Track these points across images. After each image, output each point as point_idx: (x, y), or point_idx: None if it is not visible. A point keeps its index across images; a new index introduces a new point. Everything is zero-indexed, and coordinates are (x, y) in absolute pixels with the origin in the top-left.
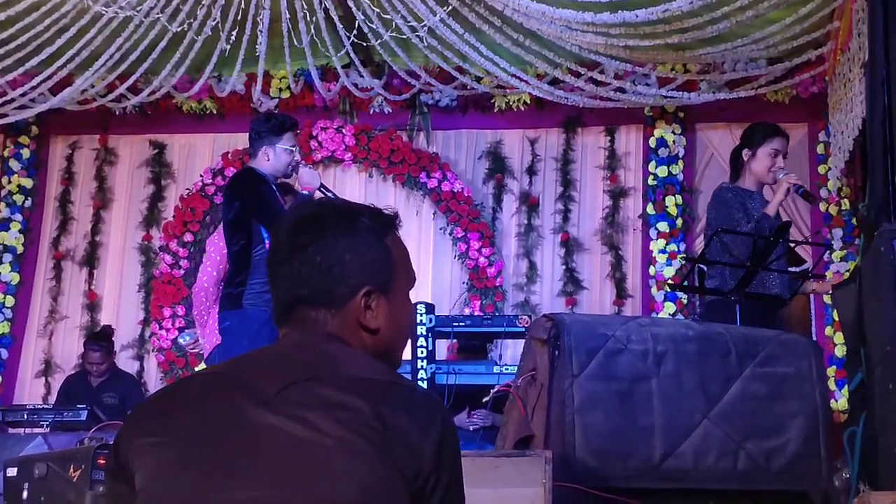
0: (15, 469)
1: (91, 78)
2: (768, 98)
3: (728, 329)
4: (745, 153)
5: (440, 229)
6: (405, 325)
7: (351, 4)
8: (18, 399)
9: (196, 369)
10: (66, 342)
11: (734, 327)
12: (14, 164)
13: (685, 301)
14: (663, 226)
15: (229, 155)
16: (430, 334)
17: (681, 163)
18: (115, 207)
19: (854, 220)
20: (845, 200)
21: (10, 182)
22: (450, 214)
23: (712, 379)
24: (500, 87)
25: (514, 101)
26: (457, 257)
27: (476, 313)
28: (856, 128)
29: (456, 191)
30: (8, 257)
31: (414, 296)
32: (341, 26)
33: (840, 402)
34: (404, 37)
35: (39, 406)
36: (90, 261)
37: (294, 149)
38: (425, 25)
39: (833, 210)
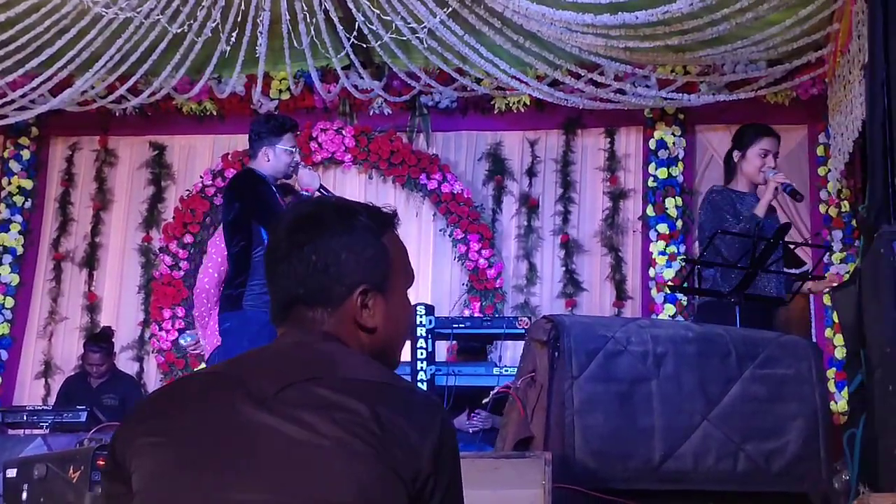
0: (14, 470)
1: (91, 79)
2: (768, 100)
3: (728, 331)
4: (736, 154)
5: (440, 231)
6: (403, 324)
7: (351, 6)
8: (18, 400)
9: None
10: (66, 343)
11: (734, 329)
12: (14, 166)
13: (685, 303)
14: (663, 227)
15: (229, 156)
16: (429, 336)
17: (681, 164)
18: (114, 209)
19: (854, 222)
20: (845, 202)
21: (10, 183)
22: (450, 216)
23: (712, 380)
24: (499, 89)
25: (513, 103)
26: (457, 259)
27: (476, 315)
28: (856, 130)
29: (456, 192)
30: (8, 258)
31: (413, 297)
32: (341, 28)
33: (840, 403)
34: (404, 38)
35: (39, 407)
36: (90, 262)
37: (294, 150)
38: (425, 27)
39: (833, 212)
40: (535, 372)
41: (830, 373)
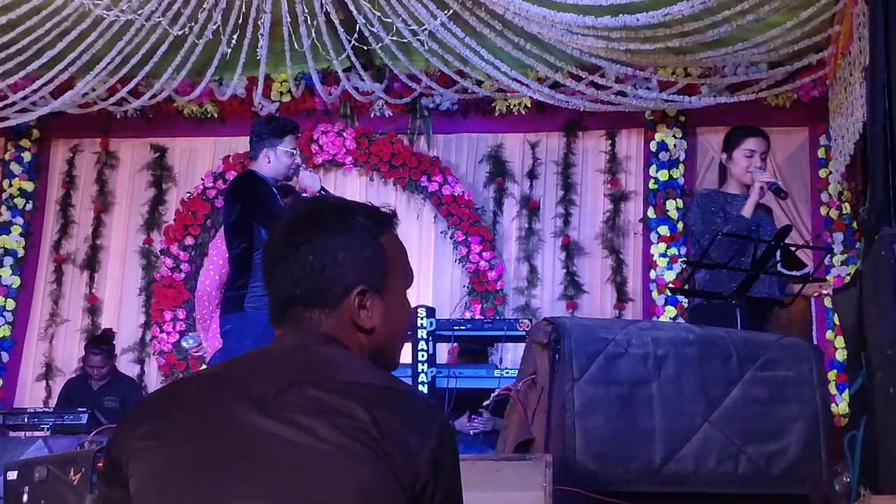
0: (15, 472)
1: (92, 81)
2: (769, 102)
3: (729, 333)
4: (724, 157)
5: (441, 233)
6: (401, 325)
7: (352, 8)
8: (19, 402)
9: None
10: (67, 345)
11: (735, 331)
12: (15, 168)
13: (686, 305)
14: (664, 229)
15: (230, 158)
16: (430, 338)
17: (682, 166)
18: (115, 211)
19: (855, 224)
20: (846, 204)
21: (11, 185)
22: (450, 218)
23: (713, 383)
24: (500, 91)
25: (514, 105)
26: (457, 261)
27: (477, 317)
28: (857, 131)
29: (457, 194)
30: (9, 261)
31: (414, 300)
32: (342, 30)
33: (841, 405)
34: (405, 40)
35: (40, 409)
36: (91, 264)
37: (295, 151)
38: (426, 29)
39: (834, 214)
40: (535, 374)
41: (831, 375)
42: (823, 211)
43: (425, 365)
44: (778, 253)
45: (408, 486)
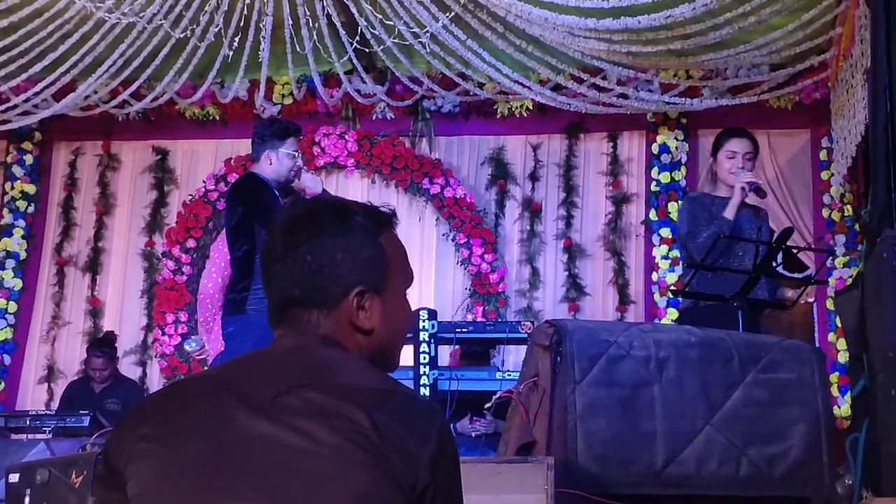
0: (17, 475)
1: (94, 84)
2: (771, 104)
3: (730, 335)
4: (710, 161)
5: (443, 235)
6: (401, 326)
7: (353, 10)
8: (21, 405)
9: None
10: (69, 348)
11: (736, 333)
12: (17, 170)
13: None
14: (666, 232)
15: (232, 161)
16: (432, 340)
17: (683, 169)
18: (117, 213)
19: (857, 226)
20: (848, 206)
21: (13, 188)
22: (452, 220)
23: (714, 385)
24: (502, 93)
25: (516, 107)
26: (459, 263)
27: (479, 319)
28: (858, 134)
29: (458, 197)
30: (11, 263)
31: (416, 302)
32: (344, 32)
33: (843, 408)
34: (407, 43)
35: (42, 412)
36: (93, 266)
37: (297, 154)
38: (428, 31)
39: (836, 216)
40: (537, 376)
41: (833, 377)
42: (825, 213)
43: (427, 367)
44: (780, 255)
45: (407, 491)
